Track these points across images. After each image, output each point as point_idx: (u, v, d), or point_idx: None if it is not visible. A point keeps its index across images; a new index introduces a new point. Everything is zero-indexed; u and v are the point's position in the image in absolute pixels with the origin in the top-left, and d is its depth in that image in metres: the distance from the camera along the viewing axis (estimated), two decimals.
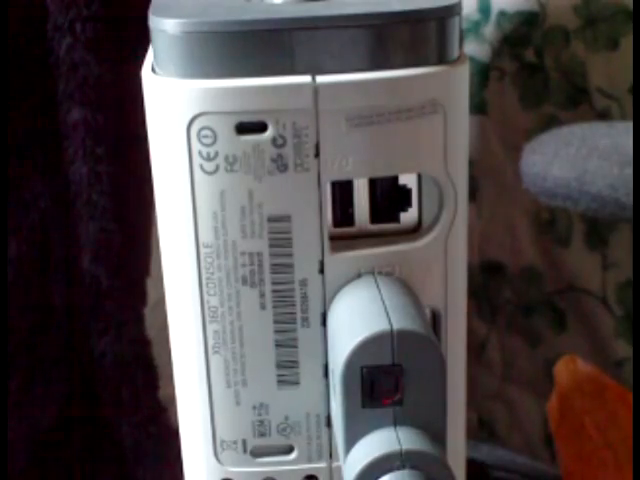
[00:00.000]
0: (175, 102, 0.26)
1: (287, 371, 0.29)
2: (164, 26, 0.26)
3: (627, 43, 0.56)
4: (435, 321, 0.30)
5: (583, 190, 0.44)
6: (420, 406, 0.26)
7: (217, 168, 0.27)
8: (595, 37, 0.57)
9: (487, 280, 0.67)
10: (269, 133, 0.26)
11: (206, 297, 0.28)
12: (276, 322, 0.28)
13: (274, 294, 0.28)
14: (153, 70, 0.28)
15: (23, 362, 0.47)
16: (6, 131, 0.43)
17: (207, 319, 0.29)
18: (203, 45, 0.26)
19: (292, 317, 0.28)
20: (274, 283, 0.28)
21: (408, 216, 0.29)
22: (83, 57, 0.44)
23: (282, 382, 0.29)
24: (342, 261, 0.28)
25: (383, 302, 0.27)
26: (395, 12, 0.26)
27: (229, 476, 0.31)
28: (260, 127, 0.26)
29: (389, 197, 0.29)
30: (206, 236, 0.28)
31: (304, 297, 0.28)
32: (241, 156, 0.27)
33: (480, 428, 0.70)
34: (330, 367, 0.28)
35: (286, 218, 0.27)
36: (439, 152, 0.28)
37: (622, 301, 0.62)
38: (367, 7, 0.27)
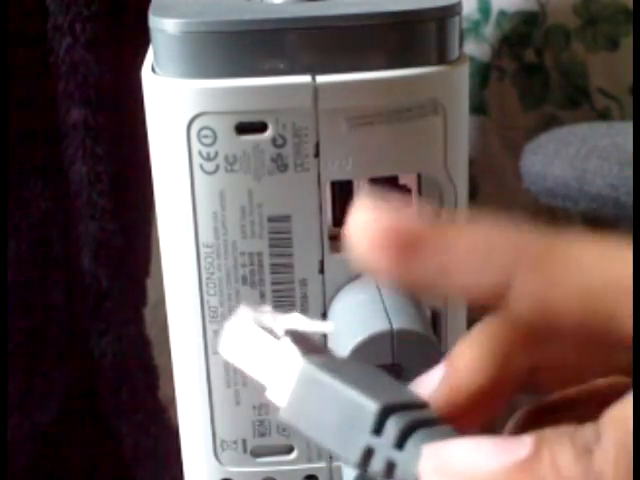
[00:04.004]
0: (175, 102, 0.26)
1: None
2: (164, 26, 0.26)
3: (627, 43, 0.56)
4: (435, 321, 0.30)
5: (583, 190, 0.44)
6: None
7: (217, 168, 0.27)
8: (595, 37, 0.57)
9: None
10: (269, 133, 0.26)
11: (206, 297, 0.28)
12: None
13: (274, 294, 0.28)
14: (153, 70, 0.28)
15: (23, 362, 0.47)
16: (7, 131, 0.43)
17: (207, 319, 0.28)
18: (203, 45, 0.26)
19: None
20: (274, 283, 0.28)
21: None
22: (83, 57, 0.44)
23: None
24: (342, 261, 0.28)
25: (383, 302, 0.27)
26: (395, 12, 0.26)
27: (229, 476, 0.31)
28: (260, 127, 0.26)
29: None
30: (206, 236, 0.28)
31: (304, 297, 0.28)
32: (241, 156, 0.27)
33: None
34: None
35: (286, 218, 0.27)
36: (439, 152, 0.28)
37: None
38: (367, 7, 0.27)
